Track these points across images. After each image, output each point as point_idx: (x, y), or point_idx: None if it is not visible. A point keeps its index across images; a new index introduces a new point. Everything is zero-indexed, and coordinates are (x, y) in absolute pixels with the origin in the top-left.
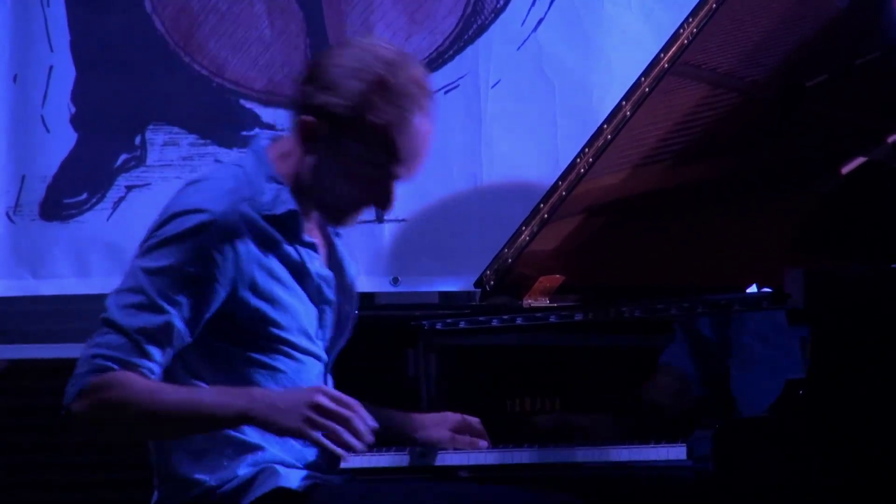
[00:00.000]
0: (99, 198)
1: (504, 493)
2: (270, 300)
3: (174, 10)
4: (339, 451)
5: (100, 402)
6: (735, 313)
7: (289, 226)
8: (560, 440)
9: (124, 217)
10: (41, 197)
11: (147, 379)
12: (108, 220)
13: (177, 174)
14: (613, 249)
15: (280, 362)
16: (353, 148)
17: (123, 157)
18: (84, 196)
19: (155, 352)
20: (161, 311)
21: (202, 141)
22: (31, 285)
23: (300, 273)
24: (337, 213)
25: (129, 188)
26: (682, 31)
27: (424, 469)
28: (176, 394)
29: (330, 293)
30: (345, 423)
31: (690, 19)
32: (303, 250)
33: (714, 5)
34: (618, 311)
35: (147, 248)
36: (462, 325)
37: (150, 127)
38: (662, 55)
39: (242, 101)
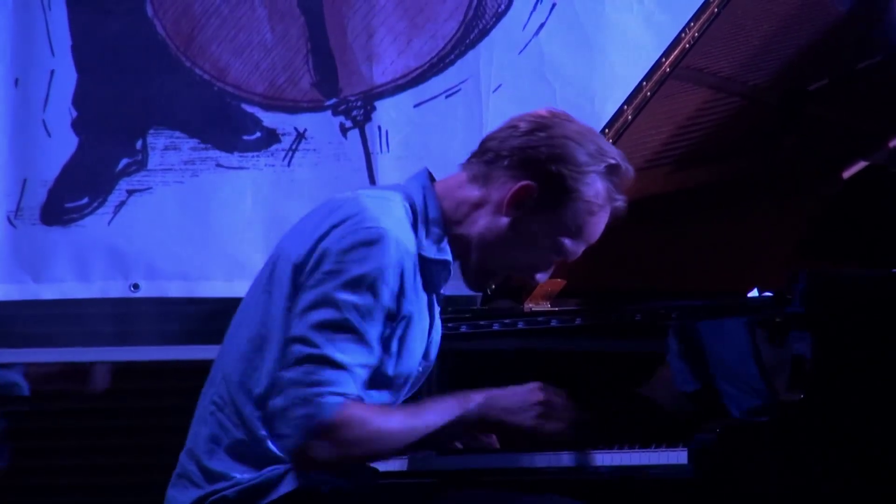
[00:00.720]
0: (100, 202)
1: (507, 498)
2: (404, 339)
3: (175, 14)
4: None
5: (344, 440)
6: (736, 317)
7: (434, 274)
8: (561, 444)
9: (125, 221)
10: (42, 201)
11: (375, 407)
12: (109, 224)
13: (178, 178)
14: (615, 253)
15: (370, 398)
16: (554, 221)
17: (124, 161)
18: (85, 200)
19: (363, 384)
20: (370, 348)
21: (203, 145)
22: (32, 289)
23: (429, 324)
24: (485, 276)
25: (130, 192)
26: (683, 35)
27: (426, 473)
28: (416, 417)
29: (435, 353)
30: (565, 414)
31: (692, 23)
32: (434, 302)
33: (716, 9)
34: (619, 315)
35: (342, 279)
36: (463, 329)
37: (152, 131)
38: (664, 59)
39: (244, 106)
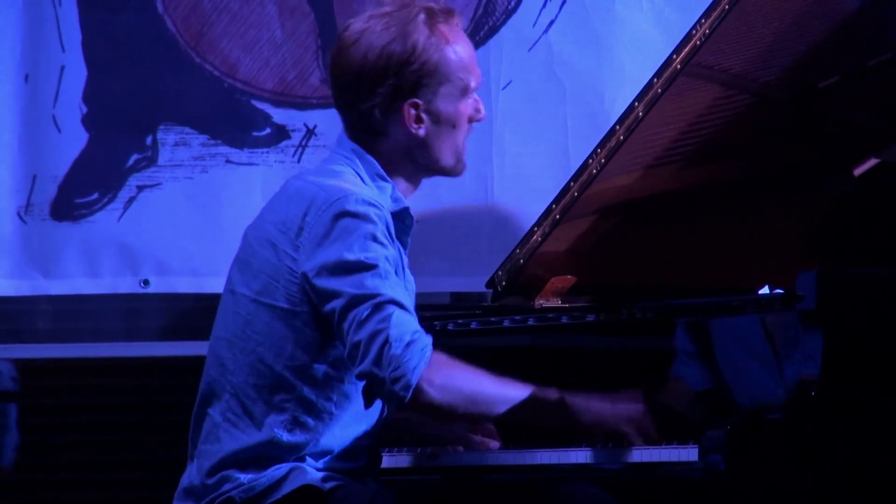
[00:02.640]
0: (110, 198)
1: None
2: None
3: (186, 10)
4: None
5: (446, 369)
6: (747, 314)
7: (399, 225)
8: (571, 441)
9: (135, 217)
10: (52, 197)
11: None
12: (118, 220)
13: (188, 174)
14: (625, 250)
15: None
16: (448, 91)
17: (134, 157)
18: (95, 196)
19: None
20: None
21: (213, 141)
22: (42, 285)
23: (402, 274)
24: (458, 164)
25: (140, 188)
26: (694, 31)
27: (433, 469)
28: (492, 374)
29: (413, 306)
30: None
31: (703, 20)
32: (403, 250)
33: (727, 6)
34: (630, 312)
35: (346, 246)
36: (474, 325)
37: (162, 127)
38: (675, 56)
39: (254, 102)
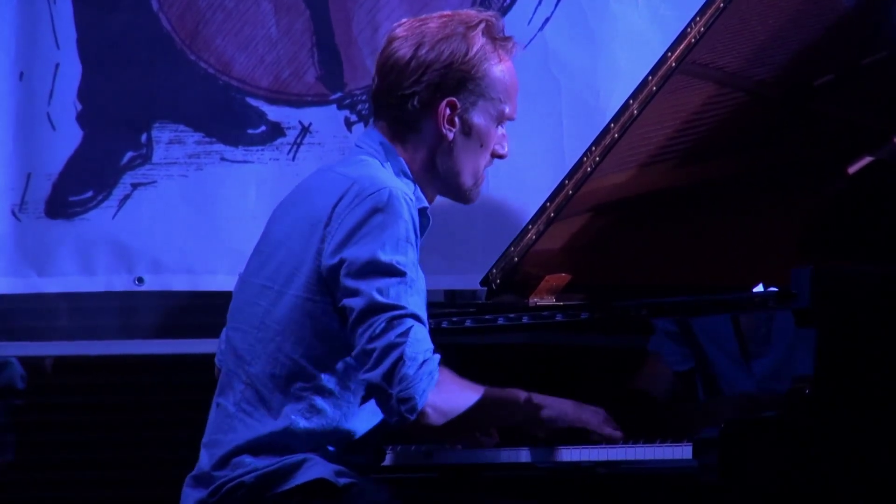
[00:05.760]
0: (105, 196)
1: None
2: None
3: (180, 7)
4: (611, 432)
5: (448, 394)
6: (741, 313)
7: (420, 222)
8: (566, 439)
9: (130, 215)
10: (47, 195)
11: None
12: (113, 218)
13: (182, 172)
14: (620, 248)
15: None
16: (485, 104)
17: (129, 154)
18: (90, 194)
19: None
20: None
21: (208, 139)
22: (37, 283)
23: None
24: (472, 187)
25: (134, 186)
26: (689, 29)
27: (430, 468)
28: (474, 385)
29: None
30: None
31: (698, 18)
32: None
33: (721, 4)
34: (624, 310)
35: (378, 244)
36: (468, 323)
37: (156, 125)
38: (670, 54)
39: (249, 99)
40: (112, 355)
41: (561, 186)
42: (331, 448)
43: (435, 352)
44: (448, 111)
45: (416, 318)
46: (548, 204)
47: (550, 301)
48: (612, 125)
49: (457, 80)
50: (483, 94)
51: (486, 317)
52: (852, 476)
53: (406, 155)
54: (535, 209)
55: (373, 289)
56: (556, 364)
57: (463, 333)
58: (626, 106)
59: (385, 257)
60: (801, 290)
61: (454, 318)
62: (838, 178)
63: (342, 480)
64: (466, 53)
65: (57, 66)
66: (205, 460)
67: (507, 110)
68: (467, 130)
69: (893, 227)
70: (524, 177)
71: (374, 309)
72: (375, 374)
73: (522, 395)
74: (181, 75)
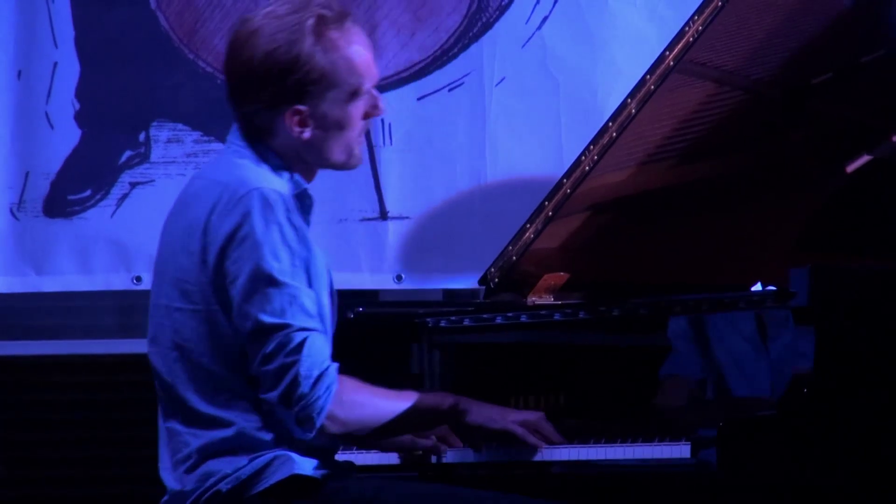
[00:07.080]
0: (103, 195)
1: (509, 497)
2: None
3: (179, 6)
4: (536, 441)
5: (351, 402)
6: (740, 311)
7: (302, 203)
8: (564, 438)
9: (128, 214)
10: (45, 193)
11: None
12: (111, 216)
13: (181, 171)
14: (618, 247)
15: None
16: (334, 96)
17: (127, 153)
18: (88, 193)
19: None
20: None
21: (206, 138)
22: (35, 282)
23: (312, 253)
24: (350, 160)
25: (132, 185)
26: (687, 28)
27: (420, 466)
28: (390, 391)
29: (333, 283)
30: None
31: (696, 17)
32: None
33: (720, 3)
34: (622, 309)
35: (258, 252)
36: (466, 322)
37: (155, 124)
38: (668, 53)
39: None
40: (110, 354)
41: (559, 185)
42: (297, 438)
43: (334, 359)
44: (295, 117)
45: (306, 329)
46: (546, 203)
47: (549, 300)
48: (611, 124)
49: (294, 89)
50: (328, 86)
51: (485, 315)
52: (850, 475)
53: (273, 151)
54: (533, 208)
55: (258, 310)
56: (554, 363)
57: (461, 332)
58: (624, 105)
59: (265, 268)
60: (799, 289)
61: (452, 317)
62: (836, 176)
63: (319, 473)
64: (297, 60)
65: (55, 64)
66: (172, 483)
67: (364, 85)
68: (322, 124)
69: (892, 225)
70: (523, 175)
71: (262, 331)
72: (273, 396)
73: (449, 400)
74: (179, 74)
